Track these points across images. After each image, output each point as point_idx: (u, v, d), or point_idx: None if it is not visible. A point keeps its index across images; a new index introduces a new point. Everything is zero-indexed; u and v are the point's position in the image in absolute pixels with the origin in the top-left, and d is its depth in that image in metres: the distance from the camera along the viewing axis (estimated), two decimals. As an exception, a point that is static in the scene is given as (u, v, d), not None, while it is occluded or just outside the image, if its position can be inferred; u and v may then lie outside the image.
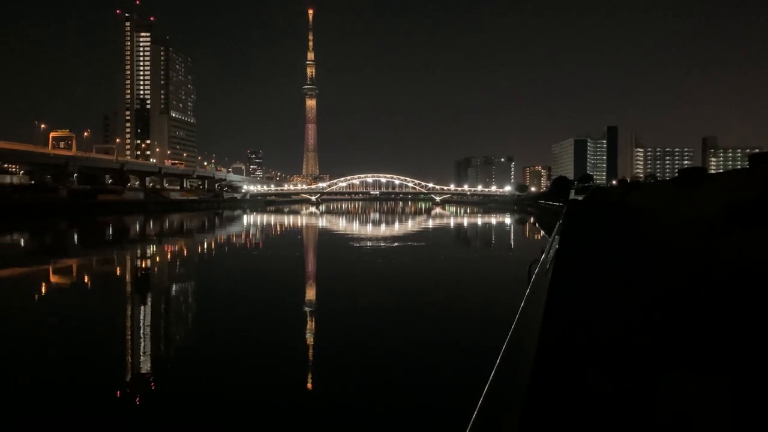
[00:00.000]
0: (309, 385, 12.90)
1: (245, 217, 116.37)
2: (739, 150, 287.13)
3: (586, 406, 2.89)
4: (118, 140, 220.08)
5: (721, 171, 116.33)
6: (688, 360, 3.82)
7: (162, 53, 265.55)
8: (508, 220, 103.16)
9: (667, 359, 3.84)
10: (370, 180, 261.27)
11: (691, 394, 3.09)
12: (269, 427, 10.66)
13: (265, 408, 11.45)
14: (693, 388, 3.18)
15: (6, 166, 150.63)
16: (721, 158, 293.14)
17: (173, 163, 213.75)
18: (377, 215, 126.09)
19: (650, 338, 4.41)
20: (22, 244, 56.48)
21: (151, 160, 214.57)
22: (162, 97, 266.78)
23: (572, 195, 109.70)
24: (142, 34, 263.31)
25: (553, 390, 3.06)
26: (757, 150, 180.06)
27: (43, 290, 27.30)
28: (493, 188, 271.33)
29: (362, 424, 10.76)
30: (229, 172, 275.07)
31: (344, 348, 15.70)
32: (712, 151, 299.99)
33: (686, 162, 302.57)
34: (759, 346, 4.21)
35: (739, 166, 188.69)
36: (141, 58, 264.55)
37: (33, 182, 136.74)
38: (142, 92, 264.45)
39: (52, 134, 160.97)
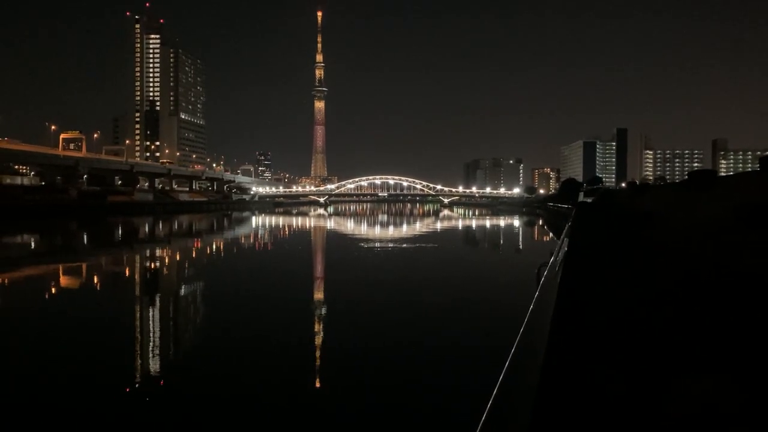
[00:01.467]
0: (316, 384, 12.95)
1: (254, 218, 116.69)
2: (749, 152, 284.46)
3: (595, 406, 2.90)
4: (127, 142, 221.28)
5: (731, 173, 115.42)
6: (697, 360, 3.84)
7: (171, 55, 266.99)
8: (516, 223, 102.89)
9: (675, 360, 3.86)
10: (378, 182, 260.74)
11: (699, 395, 3.11)
12: (273, 426, 10.73)
13: (270, 407, 11.51)
14: (701, 389, 3.20)
15: (17, 167, 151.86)
16: (732, 160, 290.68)
17: (168, 162, 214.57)
18: (385, 217, 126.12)
19: (658, 339, 4.43)
20: (33, 245, 56.97)
21: (161, 161, 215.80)
22: (171, 98, 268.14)
23: (581, 197, 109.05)
24: (152, 36, 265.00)
25: (562, 389, 3.09)
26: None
27: (57, 290, 27.51)
28: (502, 190, 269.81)
29: (365, 424, 10.80)
30: (237, 173, 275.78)
31: (350, 348, 15.74)
32: (722, 153, 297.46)
33: (696, 164, 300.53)
34: (766, 348, 4.21)
35: (749, 169, 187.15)
36: (151, 60, 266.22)
37: (43, 183, 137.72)
38: (151, 94, 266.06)
39: (62, 135, 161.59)
